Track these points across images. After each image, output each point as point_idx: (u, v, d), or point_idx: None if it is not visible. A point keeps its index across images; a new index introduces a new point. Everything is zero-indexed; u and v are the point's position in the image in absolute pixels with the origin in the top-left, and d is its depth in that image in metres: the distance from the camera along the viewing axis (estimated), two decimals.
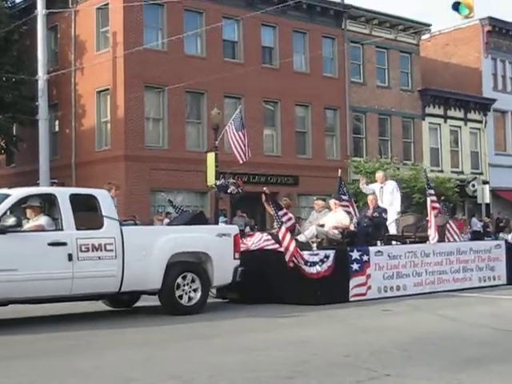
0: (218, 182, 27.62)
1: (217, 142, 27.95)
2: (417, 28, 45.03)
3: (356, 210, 19.53)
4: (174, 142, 35.06)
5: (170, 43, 34.28)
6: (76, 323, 12.45)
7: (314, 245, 15.43)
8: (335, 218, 17.61)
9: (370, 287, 15.67)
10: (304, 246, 15.60)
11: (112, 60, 34.04)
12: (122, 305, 14.87)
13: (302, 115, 40.47)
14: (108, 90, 34.61)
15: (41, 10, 30.40)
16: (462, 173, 47.37)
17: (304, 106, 40.31)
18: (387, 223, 18.12)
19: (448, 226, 19.29)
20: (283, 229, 15.07)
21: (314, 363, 8.38)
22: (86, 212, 13.02)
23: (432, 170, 42.90)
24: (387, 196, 19.33)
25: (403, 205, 20.66)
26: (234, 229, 14.90)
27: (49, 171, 30.20)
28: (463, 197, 44.73)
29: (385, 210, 17.85)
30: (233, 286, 14.39)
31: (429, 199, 17.61)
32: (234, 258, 14.12)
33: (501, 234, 35.94)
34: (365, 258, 15.65)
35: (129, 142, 33.79)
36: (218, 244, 13.89)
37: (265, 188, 19.31)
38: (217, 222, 22.63)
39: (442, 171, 45.34)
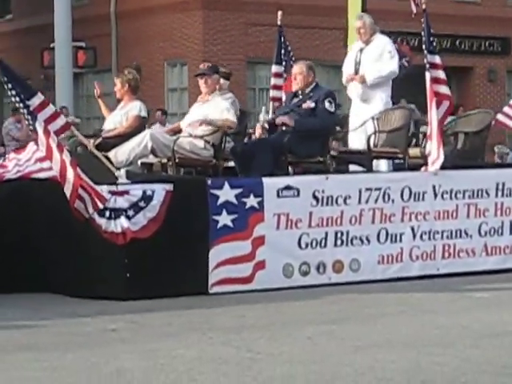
0: None
1: None
2: None
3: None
4: None
5: None
6: None
7: (123, 171, 9.13)
8: (204, 111, 11.06)
9: (261, 264, 9.19)
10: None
11: None
12: None
13: None
14: None
15: None
16: None
17: None
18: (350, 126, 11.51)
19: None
20: (40, 132, 9.25)
21: None
22: None
23: None
24: (367, 67, 11.31)
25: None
26: None
27: (70, 27, 25.13)
28: None
29: (329, 95, 10.50)
30: None
31: (428, 76, 10.55)
32: None
33: None
34: (251, 201, 9.23)
35: None
36: None
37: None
38: None
39: None
